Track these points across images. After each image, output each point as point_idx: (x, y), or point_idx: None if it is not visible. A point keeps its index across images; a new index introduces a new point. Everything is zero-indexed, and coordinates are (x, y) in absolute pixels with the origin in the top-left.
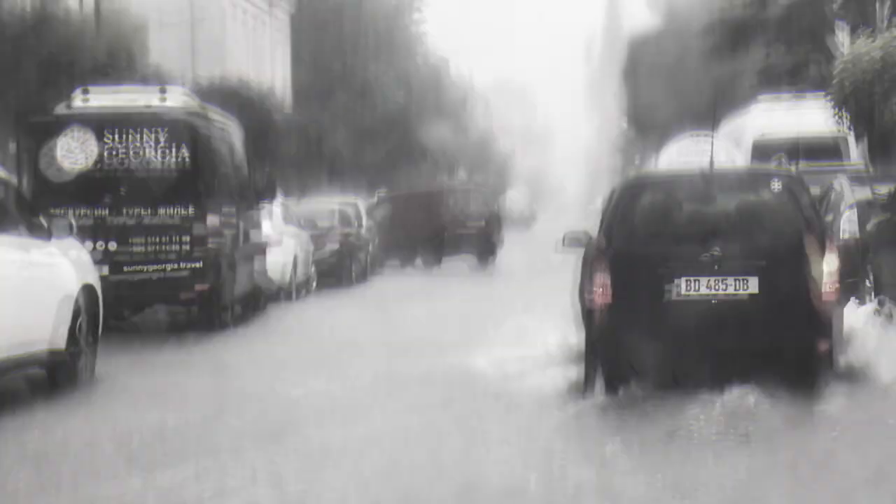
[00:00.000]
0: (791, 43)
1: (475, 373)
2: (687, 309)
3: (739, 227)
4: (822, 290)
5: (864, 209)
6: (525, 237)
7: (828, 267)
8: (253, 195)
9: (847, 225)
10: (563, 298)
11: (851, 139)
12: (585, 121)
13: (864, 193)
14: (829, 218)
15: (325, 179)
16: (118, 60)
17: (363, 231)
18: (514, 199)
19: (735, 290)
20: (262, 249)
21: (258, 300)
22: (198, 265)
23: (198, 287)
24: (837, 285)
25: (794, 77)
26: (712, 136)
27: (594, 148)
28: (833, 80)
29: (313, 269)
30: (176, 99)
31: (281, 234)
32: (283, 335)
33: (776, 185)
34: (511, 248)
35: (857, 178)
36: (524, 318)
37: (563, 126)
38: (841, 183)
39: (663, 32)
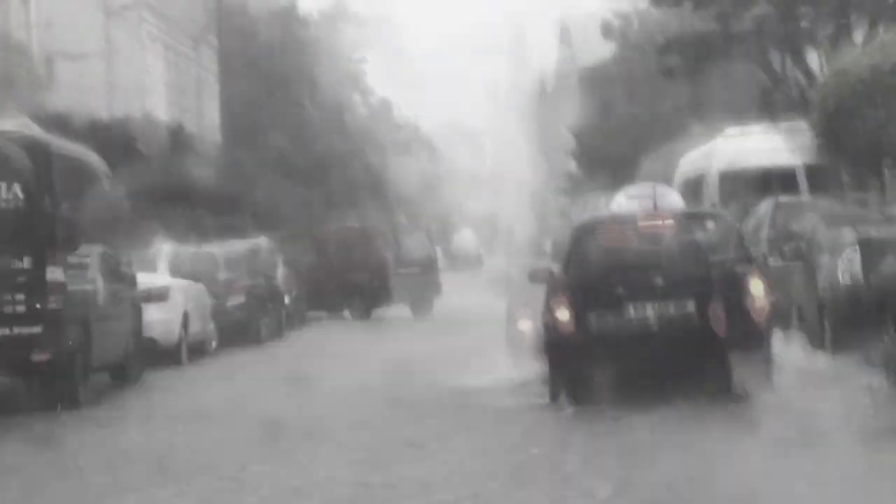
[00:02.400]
0: (761, 61)
1: None
2: (636, 329)
3: (679, 260)
4: (755, 309)
5: (872, 248)
6: (472, 280)
7: (755, 290)
8: (124, 240)
9: (847, 266)
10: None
11: (830, 167)
12: (535, 163)
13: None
14: (825, 258)
15: (251, 223)
16: None
17: (278, 279)
18: (461, 242)
19: (676, 312)
20: (137, 306)
21: (132, 368)
22: (36, 330)
23: (36, 357)
24: (767, 306)
25: (763, 102)
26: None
27: (543, 190)
28: (817, 100)
29: (212, 326)
30: (11, 126)
31: (167, 287)
32: (146, 418)
33: (710, 224)
34: (455, 292)
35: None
36: (465, 380)
37: (513, 168)
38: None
39: (618, 64)
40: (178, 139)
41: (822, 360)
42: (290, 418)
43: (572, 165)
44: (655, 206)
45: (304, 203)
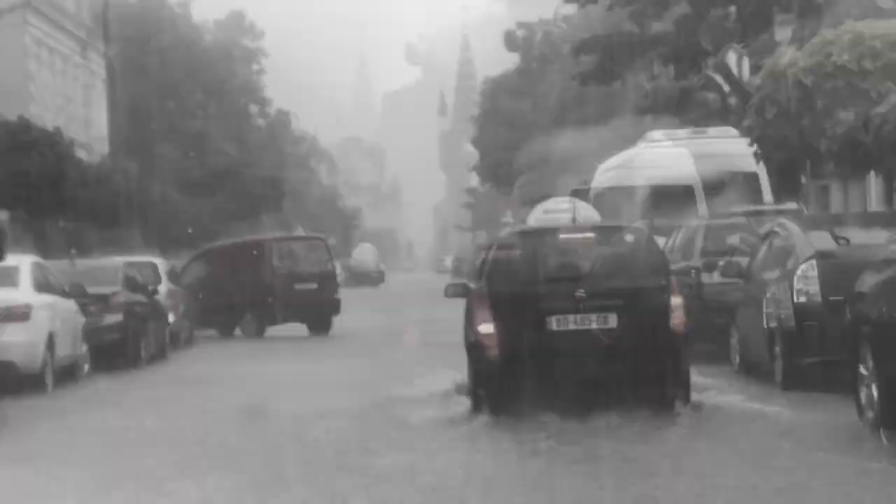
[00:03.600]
0: (679, 65)
1: None
2: (558, 342)
3: (599, 273)
4: (672, 323)
5: (833, 261)
6: (373, 297)
7: (675, 302)
8: None
9: (803, 284)
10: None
11: (764, 175)
12: (436, 178)
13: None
14: (774, 274)
15: (138, 235)
16: None
17: (161, 296)
18: (361, 257)
19: (598, 325)
20: None
21: None
22: None
23: None
24: (685, 319)
25: (681, 105)
26: (573, 199)
27: (444, 205)
28: (750, 104)
29: (85, 348)
30: None
31: (28, 305)
32: None
33: (628, 237)
34: (356, 310)
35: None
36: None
37: (414, 183)
38: (787, 228)
39: (522, 74)
40: (58, 148)
41: (771, 399)
42: (167, 453)
43: (474, 179)
44: (575, 220)
45: (197, 215)
